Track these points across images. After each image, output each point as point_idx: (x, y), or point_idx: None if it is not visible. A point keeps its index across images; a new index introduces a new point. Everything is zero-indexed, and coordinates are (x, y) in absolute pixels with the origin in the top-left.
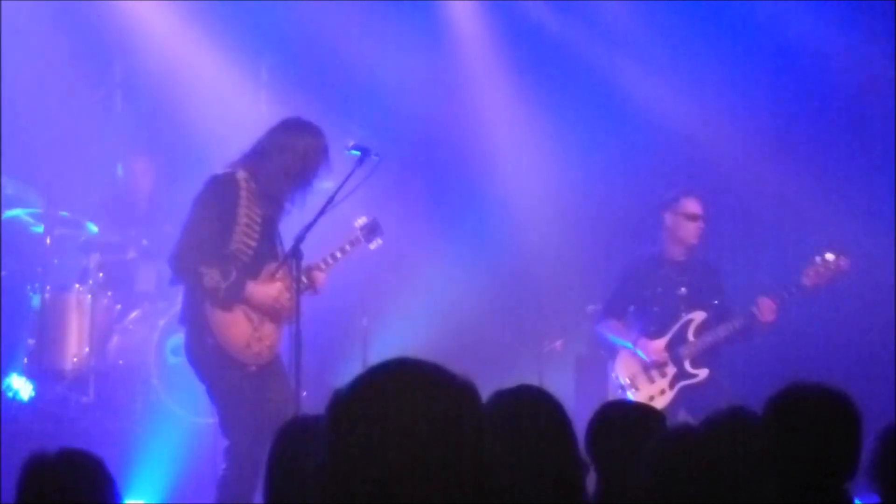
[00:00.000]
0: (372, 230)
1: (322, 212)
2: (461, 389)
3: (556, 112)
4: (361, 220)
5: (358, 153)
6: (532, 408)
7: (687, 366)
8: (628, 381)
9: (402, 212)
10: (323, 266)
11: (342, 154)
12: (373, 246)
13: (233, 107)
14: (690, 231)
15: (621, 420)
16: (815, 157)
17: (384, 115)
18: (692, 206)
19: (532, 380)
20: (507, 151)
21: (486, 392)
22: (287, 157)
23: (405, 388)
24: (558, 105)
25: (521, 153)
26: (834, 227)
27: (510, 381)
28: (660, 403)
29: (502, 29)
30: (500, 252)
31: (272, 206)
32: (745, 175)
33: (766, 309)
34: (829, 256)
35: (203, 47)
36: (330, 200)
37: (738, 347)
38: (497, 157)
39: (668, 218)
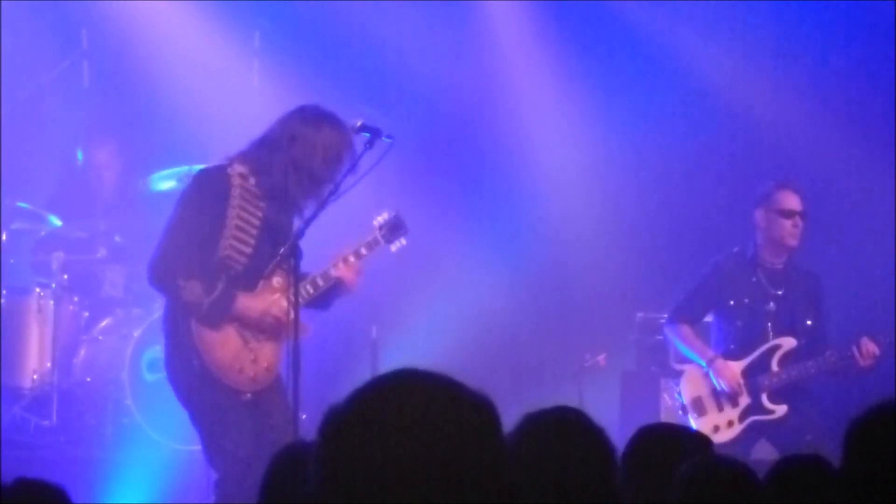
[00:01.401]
0: (394, 229)
1: (325, 203)
2: (477, 407)
3: (604, 90)
4: (381, 218)
5: (367, 135)
6: (570, 435)
7: (764, 399)
8: (692, 404)
9: (420, 204)
10: (332, 272)
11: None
12: (394, 247)
13: (220, 79)
14: (786, 230)
15: (664, 449)
16: None
17: (397, 90)
18: (788, 200)
19: (571, 399)
20: (543, 134)
21: (517, 414)
22: (299, 150)
23: (411, 404)
24: (605, 81)
25: (560, 136)
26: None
27: (545, 402)
28: (723, 437)
29: None
30: (535, 252)
31: (279, 206)
32: (837, 167)
33: (867, 352)
34: None
35: (185, 11)
36: (334, 190)
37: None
38: (532, 140)
39: (761, 216)
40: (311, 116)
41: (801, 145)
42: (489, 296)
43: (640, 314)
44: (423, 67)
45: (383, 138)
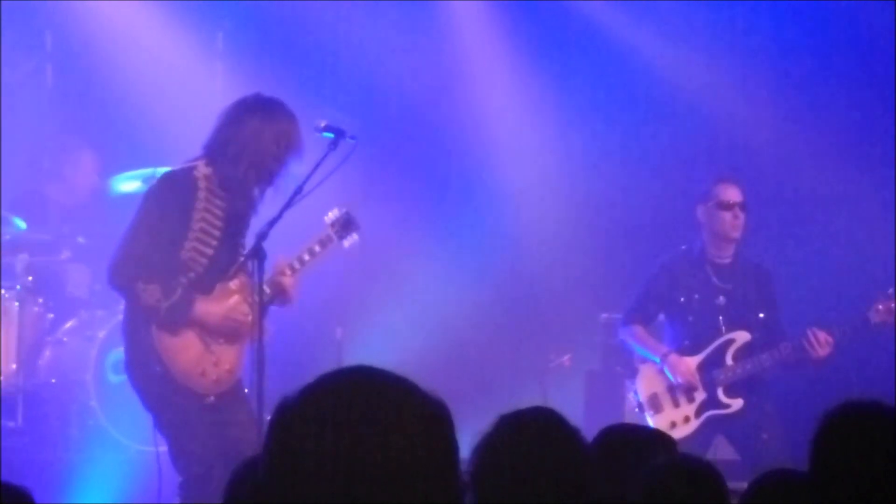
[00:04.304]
0: (346, 225)
1: (289, 204)
2: (430, 407)
3: (569, 91)
4: (333, 214)
5: (331, 135)
6: (548, 435)
7: (720, 394)
8: (648, 401)
9: (385, 205)
10: (288, 272)
11: (312, 137)
12: (347, 243)
13: (183, 81)
14: (727, 222)
15: (626, 448)
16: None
17: (361, 91)
18: (727, 192)
19: (535, 400)
20: (508, 134)
21: (483, 414)
22: (251, 142)
23: (364, 400)
24: (571, 83)
25: (524, 136)
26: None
27: (510, 403)
28: (681, 432)
29: None
30: (500, 252)
31: (239, 201)
32: (796, 169)
33: (820, 343)
34: None
35: (149, 12)
36: (298, 190)
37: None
38: (496, 141)
39: (702, 211)
40: (258, 105)
41: (765, 144)
42: (454, 296)
43: (604, 315)
44: (387, 68)
45: (347, 139)
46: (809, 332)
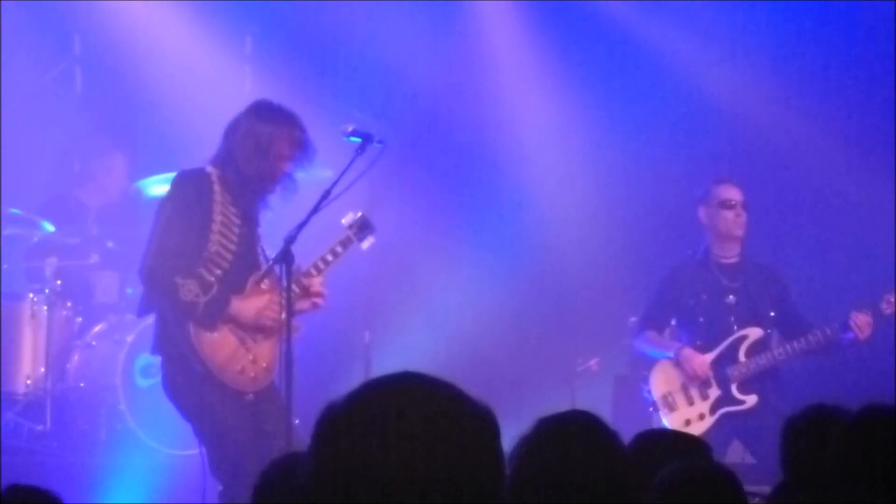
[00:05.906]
0: (363, 227)
1: (317, 208)
2: (478, 414)
3: (598, 91)
4: (350, 217)
5: (358, 140)
6: (588, 437)
7: (734, 390)
8: (662, 400)
9: (411, 209)
10: (314, 272)
11: (339, 141)
12: (365, 245)
13: (212, 85)
14: (730, 220)
15: (660, 453)
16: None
17: (388, 94)
18: (727, 191)
19: (563, 404)
20: (536, 137)
21: (511, 419)
22: (251, 145)
23: (412, 407)
24: (600, 83)
25: (550, 138)
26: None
27: (538, 407)
28: (696, 430)
29: None
30: (526, 255)
31: (250, 204)
32: (819, 169)
33: (864, 325)
34: None
35: (177, 16)
36: (326, 195)
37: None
38: (522, 143)
39: (704, 212)
40: (258, 110)
41: (799, 149)
42: (482, 300)
43: (632, 318)
44: (416, 71)
45: (374, 143)
46: (853, 316)
